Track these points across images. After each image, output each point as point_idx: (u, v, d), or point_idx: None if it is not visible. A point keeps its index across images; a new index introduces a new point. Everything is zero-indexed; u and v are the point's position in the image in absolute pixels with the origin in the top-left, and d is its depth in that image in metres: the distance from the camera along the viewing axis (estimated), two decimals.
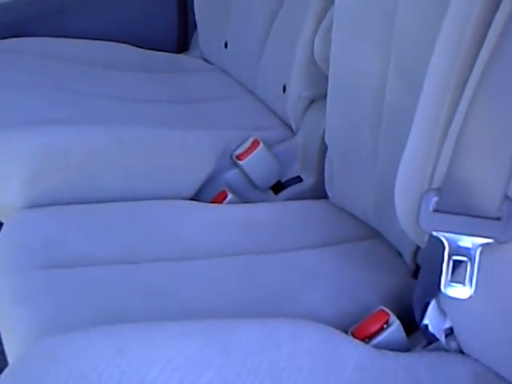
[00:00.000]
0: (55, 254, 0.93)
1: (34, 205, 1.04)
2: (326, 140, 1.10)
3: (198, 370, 0.65)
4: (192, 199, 1.16)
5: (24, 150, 1.07)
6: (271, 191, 1.24)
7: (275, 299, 0.89)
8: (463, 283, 0.67)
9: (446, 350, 0.76)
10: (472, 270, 0.67)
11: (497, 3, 0.66)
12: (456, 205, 0.67)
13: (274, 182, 1.24)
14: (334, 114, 1.06)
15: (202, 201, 1.15)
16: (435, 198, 0.68)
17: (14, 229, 1.01)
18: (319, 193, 1.18)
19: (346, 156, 1.06)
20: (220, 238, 1.01)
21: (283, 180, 1.25)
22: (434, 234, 0.68)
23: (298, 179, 1.25)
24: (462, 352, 0.76)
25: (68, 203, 1.05)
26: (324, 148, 1.14)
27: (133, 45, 1.59)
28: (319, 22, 1.15)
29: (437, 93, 0.71)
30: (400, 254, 1.00)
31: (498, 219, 0.65)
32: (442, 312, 0.75)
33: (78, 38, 1.55)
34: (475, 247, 0.66)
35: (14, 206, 1.05)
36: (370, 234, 1.06)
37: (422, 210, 0.68)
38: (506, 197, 0.65)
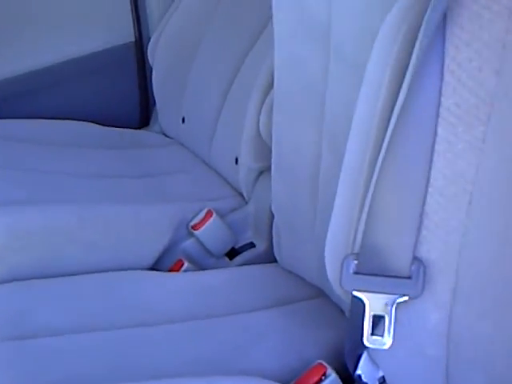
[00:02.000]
0: (19, 326, 0.99)
1: None
2: (273, 209, 1.17)
3: None
4: (151, 268, 1.22)
5: None
6: (226, 257, 1.31)
7: (224, 358, 0.95)
8: (383, 335, 0.75)
9: None
10: (390, 324, 0.75)
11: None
12: (372, 267, 0.74)
13: (228, 248, 1.31)
14: (278, 185, 1.14)
15: (161, 269, 1.22)
16: (355, 262, 0.76)
17: None
18: (271, 257, 1.24)
19: (290, 223, 1.14)
20: (175, 304, 1.08)
21: (237, 246, 1.32)
22: (355, 293, 0.76)
23: (251, 245, 1.32)
24: None
25: (32, 278, 1.11)
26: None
27: (96, 122, 1.64)
28: (264, 99, 1.23)
29: (354, 166, 0.78)
30: (342, 311, 1.07)
31: (409, 278, 0.73)
32: (374, 362, 0.81)
33: (37, 118, 1.59)
34: (391, 303, 0.74)
35: None
36: (315, 293, 1.13)
37: (343, 273, 0.76)
38: (415, 257, 0.73)
